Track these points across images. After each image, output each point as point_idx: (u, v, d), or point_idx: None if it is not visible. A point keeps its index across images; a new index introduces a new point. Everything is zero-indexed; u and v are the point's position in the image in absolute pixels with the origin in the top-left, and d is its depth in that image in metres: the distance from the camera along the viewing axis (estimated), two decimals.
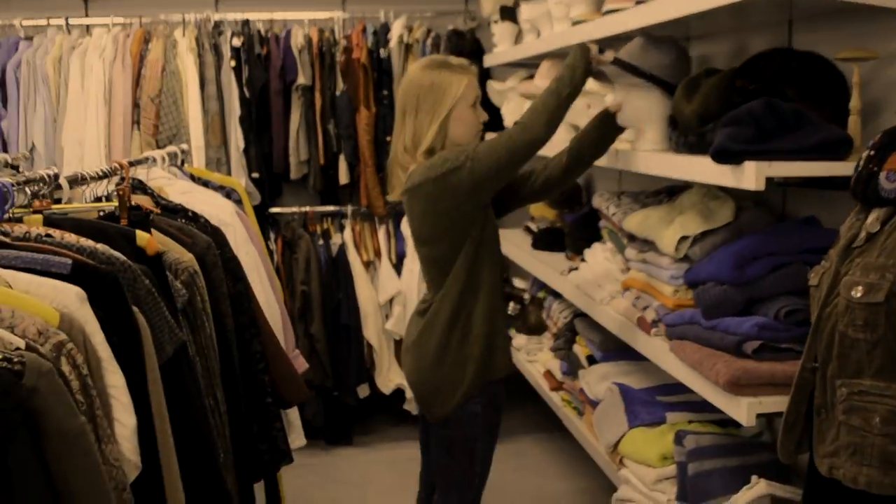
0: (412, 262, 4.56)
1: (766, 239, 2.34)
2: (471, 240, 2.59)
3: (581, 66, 2.52)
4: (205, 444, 1.94)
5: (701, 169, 2.26)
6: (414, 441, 4.60)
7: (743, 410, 2.12)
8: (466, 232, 2.59)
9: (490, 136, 2.66)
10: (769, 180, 2.04)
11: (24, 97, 4.46)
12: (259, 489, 2.62)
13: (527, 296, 2.65)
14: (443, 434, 2.71)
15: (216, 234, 2.47)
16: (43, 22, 4.67)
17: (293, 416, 2.94)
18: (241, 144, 4.51)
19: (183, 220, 2.41)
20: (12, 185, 1.84)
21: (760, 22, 2.77)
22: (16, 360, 1.25)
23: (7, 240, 1.69)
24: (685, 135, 2.42)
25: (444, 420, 2.67)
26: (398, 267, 4.77)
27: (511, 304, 2.64)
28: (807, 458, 1.94)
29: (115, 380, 1.50)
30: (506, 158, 2.50)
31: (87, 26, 4.78)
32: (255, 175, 4.59)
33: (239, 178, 4.41)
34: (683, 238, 2.51)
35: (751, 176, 2.02)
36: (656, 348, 2.58)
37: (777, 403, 2.08)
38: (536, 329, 2.64)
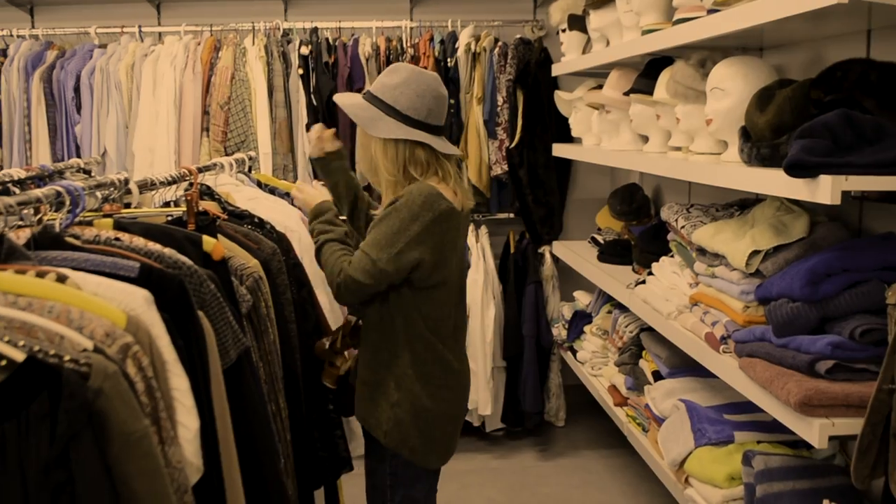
0: (475, 273, 4.55)
1: (841, 255, 2.27)
2: None
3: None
4: (266, 448, 1.94)
5: (774, 182, 2.20)
6: (473, 453, 4.62)
7: (815, 432, 2.06)
8: None
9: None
10: (845, 194, 1.98)
11: (98, 103, 4.55)
12: (319, 496, 2.62)
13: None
14: None
15: (281, 241, 2.48)
16: (117, 30, 4.78)
17: (355, 424, 2.94)
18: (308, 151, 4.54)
19: (249, 226, 2.43)
20: (83, 190, 1.87)
21: (837, 31, 2.70)
22: (82, 361, 1.26)
23: (77, 242, 1.72)
24: (758, 147, 2.36)
25: None
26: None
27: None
28: (882, 483, 1.88)
29: (179, 383, 1.51)
30: None
31: (160, 34, 4.87)
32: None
33: None
34: (755, 252, 2.45)
35: (826, 190, 1.97)
36: (725, 365, 2.52)
37: (851, 425, 2.02)
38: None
